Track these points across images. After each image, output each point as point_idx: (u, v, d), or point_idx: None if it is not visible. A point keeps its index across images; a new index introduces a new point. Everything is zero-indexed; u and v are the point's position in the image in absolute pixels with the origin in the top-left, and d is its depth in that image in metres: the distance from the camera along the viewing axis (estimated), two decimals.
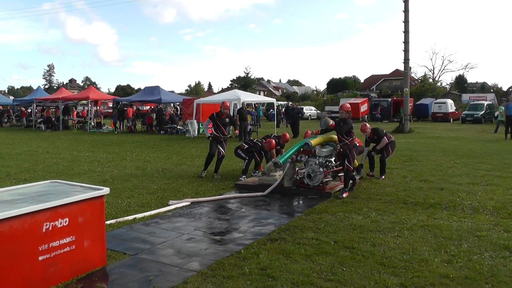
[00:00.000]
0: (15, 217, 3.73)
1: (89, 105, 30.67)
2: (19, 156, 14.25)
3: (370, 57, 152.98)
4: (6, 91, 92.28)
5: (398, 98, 40.29)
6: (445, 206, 7.02)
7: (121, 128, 28.93)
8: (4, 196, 4.51)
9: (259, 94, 65.48)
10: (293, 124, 22.13)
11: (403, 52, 24.71)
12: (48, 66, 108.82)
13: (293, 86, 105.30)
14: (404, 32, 24.46)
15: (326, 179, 8.13)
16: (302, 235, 5.57)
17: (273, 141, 9.99)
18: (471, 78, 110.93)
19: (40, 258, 3.96)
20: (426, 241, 5.27)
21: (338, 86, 71.18)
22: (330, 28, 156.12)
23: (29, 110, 35.58)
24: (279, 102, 31.87)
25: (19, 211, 3.78)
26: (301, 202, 7.66)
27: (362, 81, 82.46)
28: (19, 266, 3.79)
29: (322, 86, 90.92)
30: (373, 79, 76.28)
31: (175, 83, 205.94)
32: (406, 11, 24.29)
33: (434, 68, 67.11)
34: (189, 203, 7.40)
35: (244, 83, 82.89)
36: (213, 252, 5.04)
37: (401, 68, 26.95)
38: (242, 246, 5.17)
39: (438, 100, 40.69)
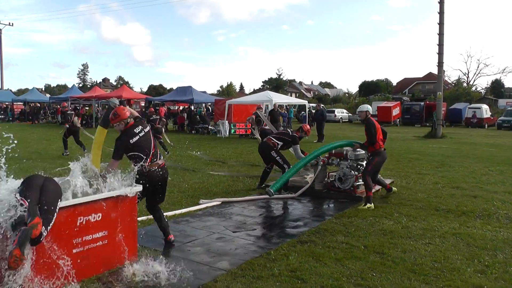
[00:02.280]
0: None
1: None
2: (54, 152, 14.72)
3: (403, 59, 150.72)
4: (43, 89, 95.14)
5: (430, 102, 39.44)
6: (479, 214, 6.87)
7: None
8: None
9: (291, 95, 65.31)
10: (317, 127, 21.40)
11: (437, 55, 24.21)
12: (83, 65, 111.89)
13: (325, 88, 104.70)
14: (438, 34, 23.95)
15: (357, 183, 8.08)
16: (332, 238, 5.58)
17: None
18: (508, 82, 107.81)
19: (74, 251, 4.11)
20: (458, 250, 5.18)
21: (370, 89, 70.36)
22: (363, 29, 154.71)
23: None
24: (311, 104, 31.70)
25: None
26: (331, 205, 7.64)
27: (394, 84, 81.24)
28: (54, 258, 3.92)
29: (354, 89, 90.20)
30: (405, 82, 75.01)
31: (207, 83, 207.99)
32: (441, 12, 23.78)
33: (468, 72, 65.20)
34: (219, 202, 7.50)
35: (276, 84, 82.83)
36: (243, 252, 5.10)
37: (435, 71, 26.45)
38: (272, 247, 5.22)
39: (473, 105, 39.64)
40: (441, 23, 23.83)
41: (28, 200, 3.58)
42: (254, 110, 25.40)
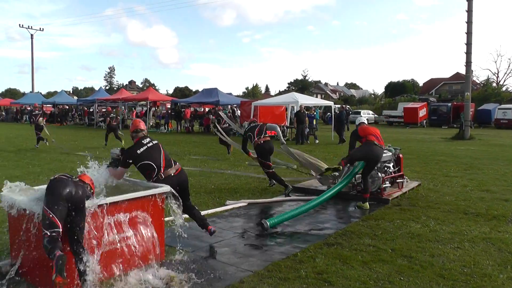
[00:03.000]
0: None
1: (148, 106, 31.86)
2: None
3: (430, 59, 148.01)
4: (71, 92, 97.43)
5: (458, 103, 38.67)
6: (511, 218, 6.71)
7: (179, 129, 29.80)
8: None
9: (316, 97, 65.03)
10: (337, 130, 20.93)
11: (465, 55, 23.71)
12: (109, 68, 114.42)
13: (351, 89, 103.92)
14: (466, 33, 23.45)
15: (384, 185, 8.02)
16: (359, 241, 5.55)
17: None
18: None
19: (102, 250, 4.18)
20: (489, 255, 5.07)
21: (396, 90, 69.30)
22: (389, 29, 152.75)
23: (91, 110, 37.58)
24: (337, 106, 31.53)
25: (91, 203, 4.04)
26: (358, 207, 7.60)
27: (421, 84, 79.88)
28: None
29: (380, 90, 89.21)
30: (432, 83, 73.66)
31: (232, 85, 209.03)
32: (469, 11, 23.27)
33: (498, 72, 63.39)
34: (245, 204, 7.56)
35: (301, 85, 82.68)
36: (269, 253, 5.14)
37: (462, 71, 25.91)
38: (299, 249, 5.24)
39: (503, 106, 38.51)
40: (469, 22, 23.34)
41: (54, 217, 3.69)
42: (280, 111, 25.63)
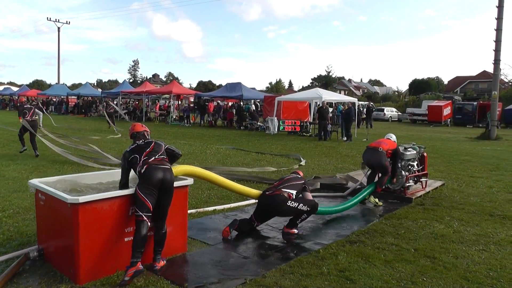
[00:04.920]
0: (106, 199, 4.11)
1: (172, 99, 32.14)
2: (106, 144, 15.32)
3: (456, 57, 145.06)
4: (95, 84, 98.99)
5: (484, 102, 37.84)
6: None
7: (202, 123, 29.99)
8: (99, 178, 5.15)
9: (340, 93, 64.63)
10: (345, 126, 20.31)
11: (493, 52, 23.15)
12: (134, 61, 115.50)
13: (374, 86, 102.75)
14: (496, 30, 22.86)
15: (408, 184, 7.93)
16: (381, 239, 5.52)
17: None
18: None
19: (126, 239, 4.30)
20: None
21: (420, 87, 68.19)
22: (416, 25, 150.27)
23: (115, 102, 38.13)
24: (360, 102, 31.25)
25: (109, 194, 4.17)
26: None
27: (445, 82, 78.45)
28: (108, 243, 4.16)
29: (404, 87, 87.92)
30: (457, 81, 72.20)
31: (256, 80, 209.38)
32: (500, 6, 22.67)
33: None
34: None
35: (325, 81, 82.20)
36: (291, 249, 5.14)
37: (490, 69, 25.39)
38: (321, 246, 5.23)
39: None
40: (499, 18, 22.76)
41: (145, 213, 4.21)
42: (303, 107, 25.59)
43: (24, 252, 4.52)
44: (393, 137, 8.09)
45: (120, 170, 4.67)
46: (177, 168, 5.03)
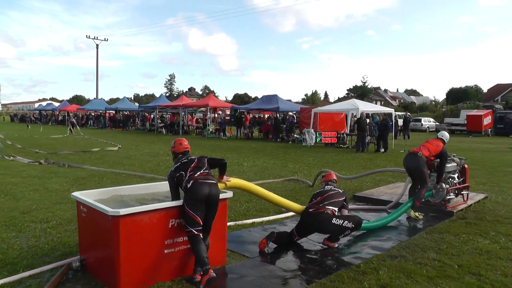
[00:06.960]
0: (146, 211, 4.24)
1: (208, 112, 32.63)
2: (143, 157, 15.70)
3: (496, 64, 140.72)
4: (132, 98, 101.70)
5: None
6: None
7: (238, 135, 30.28)
8: (138, 190, 5.31)
9: (376, 103, 63.86)
10: (382, 137, 19.81)
11: None
12: (170, 75, 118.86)
13: (411, 96, 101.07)
14: None
15: (449, 197, 7.75)
16: (423, 254, 5.41)
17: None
18: None
19: (166, 251, 4.41)
20: None
21: (458, 97, 66.54)
22: (452, 32, 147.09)
23: (152, 116, 39.08)
24: (397, 113, 30.78)
25: (149, 207, 4.30)
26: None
27: (485, 91, 76.13)
28: (148, 255, 4.27)
29: (441, 96, 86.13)
30: (498, 89, 69.89)
31: (291, 91, 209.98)
32: None
33: None
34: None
35: (360, 92, 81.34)
36: (331, 263, 5.12)
37: None
38: (361, 260, 5.18)
39: None
40: None
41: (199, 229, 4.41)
42: (340, 118, 25.48)
43: (67, 262, 4.71)
44: (445, 135, 7.92)
45: (168, 184, 4.83)
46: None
